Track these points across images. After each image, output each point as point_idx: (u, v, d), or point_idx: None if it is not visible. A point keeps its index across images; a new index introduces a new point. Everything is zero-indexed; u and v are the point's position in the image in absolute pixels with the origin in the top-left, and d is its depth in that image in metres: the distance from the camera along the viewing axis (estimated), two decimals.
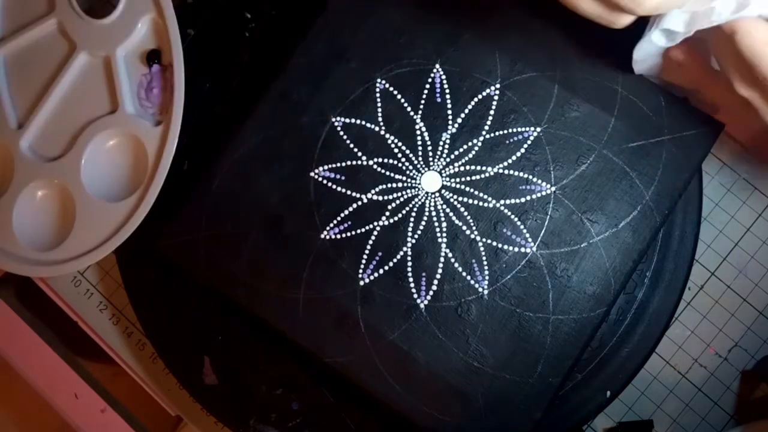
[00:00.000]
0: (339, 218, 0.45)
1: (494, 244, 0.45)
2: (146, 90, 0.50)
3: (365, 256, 0.45)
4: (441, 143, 0.46)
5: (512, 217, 0.45)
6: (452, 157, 0.46)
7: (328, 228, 0.45)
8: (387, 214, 0.45)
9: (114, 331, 0.52)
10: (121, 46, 0.50)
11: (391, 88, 0.46)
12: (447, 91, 0.46)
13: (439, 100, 0.46)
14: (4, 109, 0.50)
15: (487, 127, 0.46)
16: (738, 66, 0.36)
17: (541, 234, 0.45)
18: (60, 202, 0.50)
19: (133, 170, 0.50)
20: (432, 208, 0.45)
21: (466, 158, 0.46)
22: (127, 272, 0.50)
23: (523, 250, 0.44)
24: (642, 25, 0.50)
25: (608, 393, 0.47)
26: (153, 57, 0.50)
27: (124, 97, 0.49)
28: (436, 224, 0.45)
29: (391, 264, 0.45)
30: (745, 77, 0.37)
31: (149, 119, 0.50)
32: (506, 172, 0.45)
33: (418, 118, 0.46)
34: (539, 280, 0.44)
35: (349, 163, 0.46)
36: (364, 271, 0.45)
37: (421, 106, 0.46)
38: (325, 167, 0.46)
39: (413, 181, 0.46)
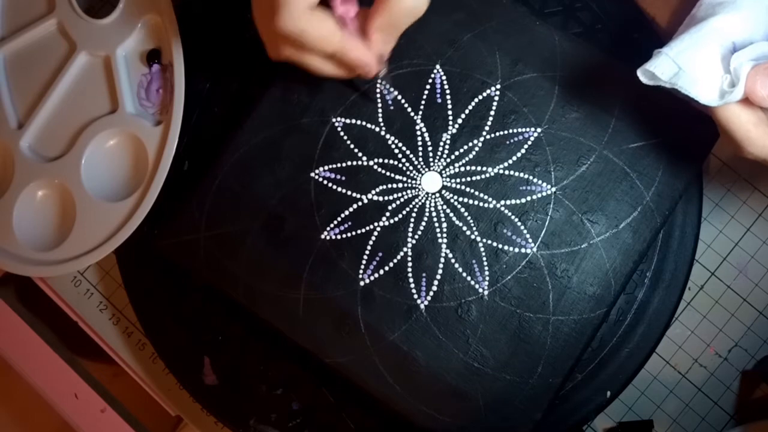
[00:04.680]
0: (339, 218, 0.45)
1: (494, 244, 0.45)
2: (146, 90, 0.50)
3: (365, 257, 0.45)
4: (441, 144, 0.46)
5: (512, 217, 0.45)
6: (452, 157, 0.46)
7: (328, 228, 0.45)
8: (387, 214, 0.45)
9: (114, 331, 0.52)
10: (121, 46, 0.50)
11: (392, 89, 0.46)
12: (447, 91, 0.46)
13: (439, 100, 0.46)
14: (4, 109, 0.50)
15: (487, 128, 0.46)
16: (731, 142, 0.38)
17: (542, 235, 0.45)
18: (60, 202, 0.50)
19: (133, 170, 0.50)
20: (432, 209, 0.45)
21: (467, 159, 0.46)
22: (127, 272, 0.50)
23: (523, 250, 0.44)
24: (640, 30, 0.50)
25: (608, 393, 0.47)
26: (153, 57, 0.50)
27: (124, 97, 0.49)
28: (437, 225, 0.45)
29: (391, 264, 0.45)
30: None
31: (149, 119, 0.50)
32: (507, 172, 0.45)
33: (418, 118, 0.46)
34: (539, 281, 0.44)
35: (349, 163, 0.46)
36: (365, 271, 0.45)
37: (422, 107, 0.46)
38: (326, 167, 0.46)
39: (413, 182, 0.45)
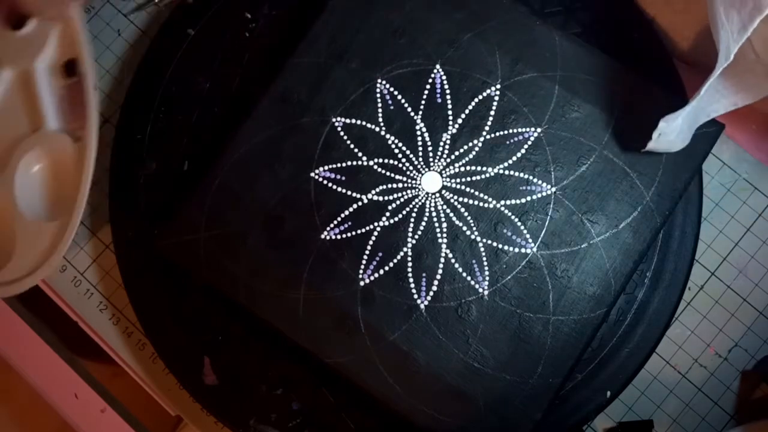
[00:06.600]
0: (339, 218, 0.45)
1: (494, 244, 0.45)
2: (67, 104, 0.47)
3: (365, 257, 0.45)
4: (441, 144, 0.46)
5: (512, 217, 0.45)
6: (453, 157, 0.46)
7: (328, 228, 0.45)
8: (387, 214, 0.45)
9: (114, 331, 0.52)
10: (40, 58, 0.47)
11: (392, 89, 0.46)
12: (447, 91, 0.46)
13: (439, 100, 0.46)
14: None
15: (487, 128, 0.46)
16: None
17: (542, 235, 0.45)
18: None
19: (64, 188, 0.47)
20: (432, 209, 0.45)
21: (467, 159, 0.46)
22: (127, 272, 0.50)
23: (523, 250, 0.44)
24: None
25: (608, 393, 0.47)
26: (71, 67, 0.46)
27: (47, 114, 0.46)
28: (437, 225, 0.45)
29: (391, 264, 0.45)
30: None
31: (73, 136, 0.47)
32: (507, 172, 0.45)
33: (418, 118, 0.46)
34: (539, 281, 0.44)
35: (349, 163, 0.46)
36: (365, 271, 0.45)
37: (422, 107, 0.46)
38: (326, 167, 0.46)
39: (413, 182, 0.45)
